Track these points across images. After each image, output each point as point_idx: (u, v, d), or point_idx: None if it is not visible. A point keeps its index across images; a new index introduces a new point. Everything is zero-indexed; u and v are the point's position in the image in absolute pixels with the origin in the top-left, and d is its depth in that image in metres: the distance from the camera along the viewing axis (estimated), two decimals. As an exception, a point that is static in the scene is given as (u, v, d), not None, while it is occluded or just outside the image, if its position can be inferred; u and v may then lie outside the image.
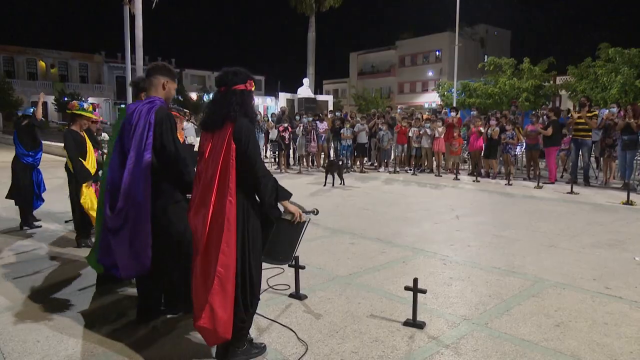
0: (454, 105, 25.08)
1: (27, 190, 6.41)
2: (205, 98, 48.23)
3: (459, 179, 11.39)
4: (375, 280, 4.36)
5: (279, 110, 16.02)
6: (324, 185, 10.34)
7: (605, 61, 23.19)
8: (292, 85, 26.35)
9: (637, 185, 9.21)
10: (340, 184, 10.31)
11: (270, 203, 2.70)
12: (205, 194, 2.67)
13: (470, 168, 12.59)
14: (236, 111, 2.63)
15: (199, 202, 2.71)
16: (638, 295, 3.97)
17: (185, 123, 13.30)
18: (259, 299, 2.93)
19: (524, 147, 11.79)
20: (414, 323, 3.35)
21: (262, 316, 3.49)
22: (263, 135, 14.63)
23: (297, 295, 3.90)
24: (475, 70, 32.13)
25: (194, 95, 50.30)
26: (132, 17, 18.09)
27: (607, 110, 11.19)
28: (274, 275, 4.37)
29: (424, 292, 3.36)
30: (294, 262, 3.84)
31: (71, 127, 5.39)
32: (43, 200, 6.64)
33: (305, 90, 24.30)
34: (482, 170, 11.91)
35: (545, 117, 11.32)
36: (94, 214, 4.85)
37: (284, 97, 24.93)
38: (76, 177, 5.19)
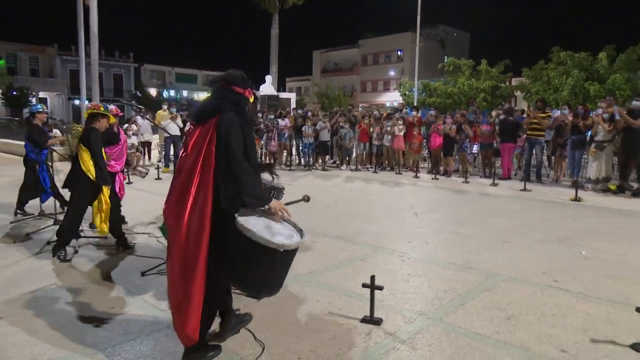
0: (415, 104, 25.59)
1: (32, 185, 6.70)
2: (165, 94, 47.19)
3: (418, 177, 11.61)
4: (335, 278, 4.37)
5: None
6: None
7: (557, 64, 24.23)
8: (255, 82, 25.88)
9: (584, 183, 9.65)
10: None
11: (250, 200, 2.65)
12: (184, 186, 2.62)
13: (430, 166, 12.84)
14: (227, 106, 2.68)
15: (178, 194, 2.65)
16: (584, 287, 4.16)
17: (139, 120, 12.97)
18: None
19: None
20: (372, 320, 3.38)
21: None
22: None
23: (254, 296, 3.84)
24: (436, 70, 32.81)
25: (153, 91, 49.06)
26: (87, 9, 17.38)
27: (559, 111, 11.68)
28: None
29: (380, 288, 3.39)
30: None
31: (93, 126, 5.02)
32: (48, 195, 6.70)
33: (267, 88, 24.10)
34: (441, 168, 12.19)
35: (499, 117, 11.71)
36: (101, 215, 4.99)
37: (245, 94, 24.66)
38: (99, 179, 4.90)
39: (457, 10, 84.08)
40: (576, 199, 8.36)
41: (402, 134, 12.65)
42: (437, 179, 11.29)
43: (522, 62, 27.20)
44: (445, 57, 32.23)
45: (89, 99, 20.21)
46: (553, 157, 11.41)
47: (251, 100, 2.84)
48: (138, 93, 47.91)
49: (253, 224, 2.58)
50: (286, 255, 2.64)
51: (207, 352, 2.83)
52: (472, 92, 27.58)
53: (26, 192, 6.76)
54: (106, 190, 5.00)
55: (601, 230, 6.33)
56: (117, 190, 5.94)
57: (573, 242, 5.72)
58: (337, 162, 14.42)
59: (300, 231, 2.86)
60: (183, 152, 2.77)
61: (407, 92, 32.81)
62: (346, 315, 3.53)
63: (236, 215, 2.57)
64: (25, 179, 6.77)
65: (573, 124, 9.98)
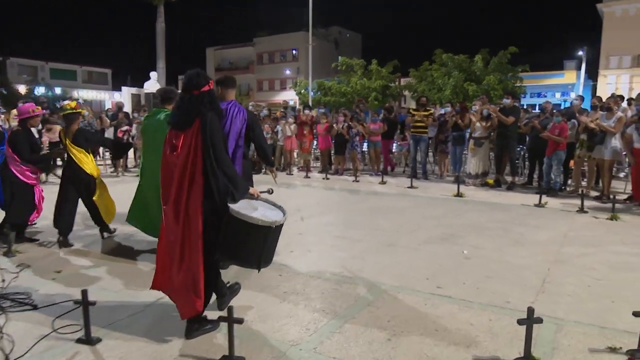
0: (310, 103, 25.52)
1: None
2: (37, 91, 41.87)
3: (309, 177, 11.26)
4: (198, 304, 3.69)
5: (115, 105, 14.18)
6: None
7: (440, 65, 25.70)
8: (140, 79, 24.17)
9: (465, 178, 9.98)
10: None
11: (224, 198, 2.97)
12: (180, 184, 2.93)
13: (321, 166, 12.59)
14: (207, 108, 2.95)
15: (175, 194, 2.96)
16: (466, 292, 3.96)
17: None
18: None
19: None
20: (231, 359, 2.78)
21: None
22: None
23: (87, 340, 3.04)
24: (330, 69, 33.18)
25: (22, 88, 43.35)
26: None
27: (444, 109, 12.10)
28: (62, 313, 3.42)
29: (240, 322, 2.80)
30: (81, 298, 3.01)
31: (80, 127, 5.44)
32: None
33: (153, 85, 22.40)
34: (333, 167, 11.98)
35: (383, 115, 11.83)
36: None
37: (127, 91, 22.72)
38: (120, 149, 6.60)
39: (350, 12, 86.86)
40: (458, 194, 8.55)
41: (294, 134, 12.24)
42: (328, 178, 11.02)
43: (409, 63, 28.38)
44: (339, 57, 32.67)
45: None
46: (436, 154, 11.75)
47: (213, 87, 3.09)
48: (3, 90, 42.00)
49: (244, 208, 3.04)
50: (277, 230, 3.16)
51: (206, 325, 3.16)
52: (365, 91, 28.26)
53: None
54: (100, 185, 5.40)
55: (481, 226, 6.39)
56: (37, 203, 5.45)
57: (455, 240, 5.64)
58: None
59: (280, 207, 3.37)
60: (172, 151, 2.99)
61: (302, 91, 32.79)
62: (203, 356, 2.89)
63: (229, 205, 2.97)
64: None
65: (454, 121, 10.30)
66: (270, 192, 3.69)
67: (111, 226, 5.71)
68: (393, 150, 12.70)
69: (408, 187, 9.45)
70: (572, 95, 29.04)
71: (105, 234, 5.67)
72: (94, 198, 5.33)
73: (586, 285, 4.10)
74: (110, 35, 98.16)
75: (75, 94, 46.69)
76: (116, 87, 50.82)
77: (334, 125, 11.78)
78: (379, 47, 66.72)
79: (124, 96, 22.27)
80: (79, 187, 5.29)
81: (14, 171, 5.21)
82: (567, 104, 24.86)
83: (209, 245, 3.00)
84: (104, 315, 3.39)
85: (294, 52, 50.45)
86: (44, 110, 11.38)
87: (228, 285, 3.51)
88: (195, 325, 3.11)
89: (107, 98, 47.12)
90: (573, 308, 3.61)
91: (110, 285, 4.13)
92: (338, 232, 6.05)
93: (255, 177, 4.90)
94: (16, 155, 5.19)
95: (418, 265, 4.70)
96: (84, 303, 3.01)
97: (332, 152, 12.24)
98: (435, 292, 3.95)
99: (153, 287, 3.18)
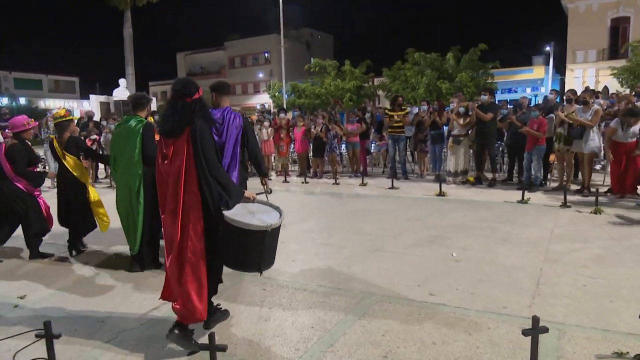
0: (284, 106, 25.28)
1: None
2: (0, 102, 40.36)
3: (288, 182, 11.00)
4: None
5: (85, 115, 13.65)
6: None
7: (413, 64, 25.82)
8: (109, 86, 23.49)
9: (446, 176, 9.90)
10: None
11: (218, 206, 2.95)
12: (174, 192, 2.90)
13: (299, 169, 12.35)
14: (198, 115, 2.92)
15: (170, 202, 2.92)
16: (460, 298, 3.79)
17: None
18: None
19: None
20: (215, 392, 2.53)
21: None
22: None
23: (52, 377, 2.74)
24: (303, 71, 32.99)
25: (-16, 100, 41.68)
26: None
27: (419, 108, 12.00)
28: (25, 345, 3.09)
29: (223, 349, 2.55)
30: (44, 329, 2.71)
31: (72, 135, 5.31)
32: None
33: (122, 92, 21.75)
34: (312, 170, 11.76)
35: (357, 116, 11.71)
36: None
37: (95, 99, 21.99)
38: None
39: (320, 13, 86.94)
40: (440, 193, 8.43)
41: (271, 138, 11.97)
42: (307, 182, 10.78)
43: (382, 63, 28.41)
44: (312, 58, 32.49)
45: None
46: (416, 153, 11.66)
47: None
48: (-36, 102, 40.28)
49: (240, 214, 3.01)
50: (274, 232, 3.08)
51: (189, 339, 2.95)
52: (339, 92, 28.18)
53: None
54: (92, 191, 5.31)
55: (467, 225, 6.26)
56: (46, 214, 5.33)
57: (442, 242, 5.49)
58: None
59: (277, 208, 3.29)
60: (164, 160, 2.96)
61: (276, 94, 32.54)
62: (182, 387, 2.63)
63: (223, 212, 2.95)
64: None
65: (432, 120, 10.21)
66: (269, 192, 3.72)
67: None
68: (372, 151, 12.58)
69: (389, 188, 9.29)
70: (542, 90, 29.63)
71: (74, 252, 5.34)
72: (90, 203, 5.25)
73: (581, 285, 3.98)
74: (77, 42, 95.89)
75: (42, 104, 45.25)
76: (84, 96, 49.41)
77: (312, 129, 11.55)
78: (351, 47, 67.05)
79: (93, 104, 21.54)
80: (73, 195, 5.22)
81: (18, 184, 5.11)
82: (538, 99, 25.35)
83: (209, 253, 2.96)
84: (73, 346, 3.08)
85: (266, 54, 50.11)
86: (36, 123, 10.88)
87: (218, 306, 3.43)
88: (179, 331, 2.95)
89: (76, 107, 45.62)
90: (572, 310, 3.48)
91: (79, 309, 3.79)
92: (321, 238, 5.83)
93: (249, 184, 4.64)
94: (12, 167, 5.11)
95: (407, 271, 4.52)
96: (48, 336, 2.70)
97: (310, 154, 11.99)
98: (428, 300, 3.77)
99: (162, 298, 3.15)
